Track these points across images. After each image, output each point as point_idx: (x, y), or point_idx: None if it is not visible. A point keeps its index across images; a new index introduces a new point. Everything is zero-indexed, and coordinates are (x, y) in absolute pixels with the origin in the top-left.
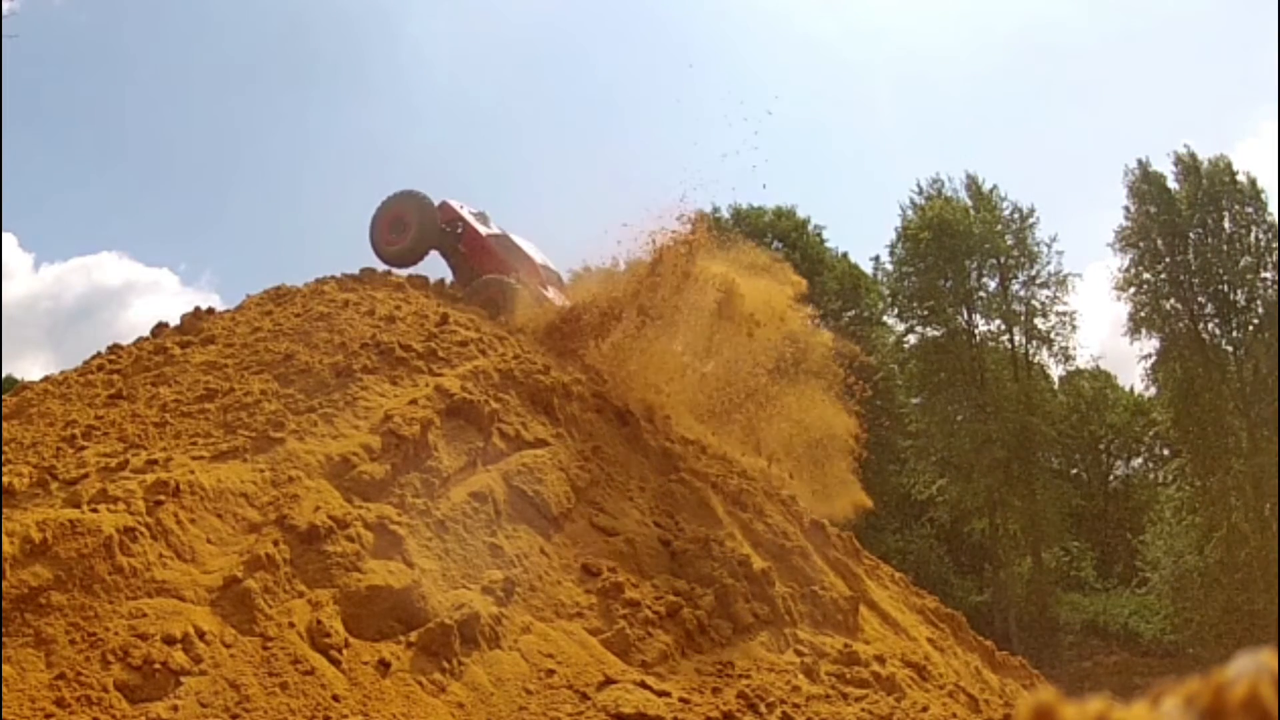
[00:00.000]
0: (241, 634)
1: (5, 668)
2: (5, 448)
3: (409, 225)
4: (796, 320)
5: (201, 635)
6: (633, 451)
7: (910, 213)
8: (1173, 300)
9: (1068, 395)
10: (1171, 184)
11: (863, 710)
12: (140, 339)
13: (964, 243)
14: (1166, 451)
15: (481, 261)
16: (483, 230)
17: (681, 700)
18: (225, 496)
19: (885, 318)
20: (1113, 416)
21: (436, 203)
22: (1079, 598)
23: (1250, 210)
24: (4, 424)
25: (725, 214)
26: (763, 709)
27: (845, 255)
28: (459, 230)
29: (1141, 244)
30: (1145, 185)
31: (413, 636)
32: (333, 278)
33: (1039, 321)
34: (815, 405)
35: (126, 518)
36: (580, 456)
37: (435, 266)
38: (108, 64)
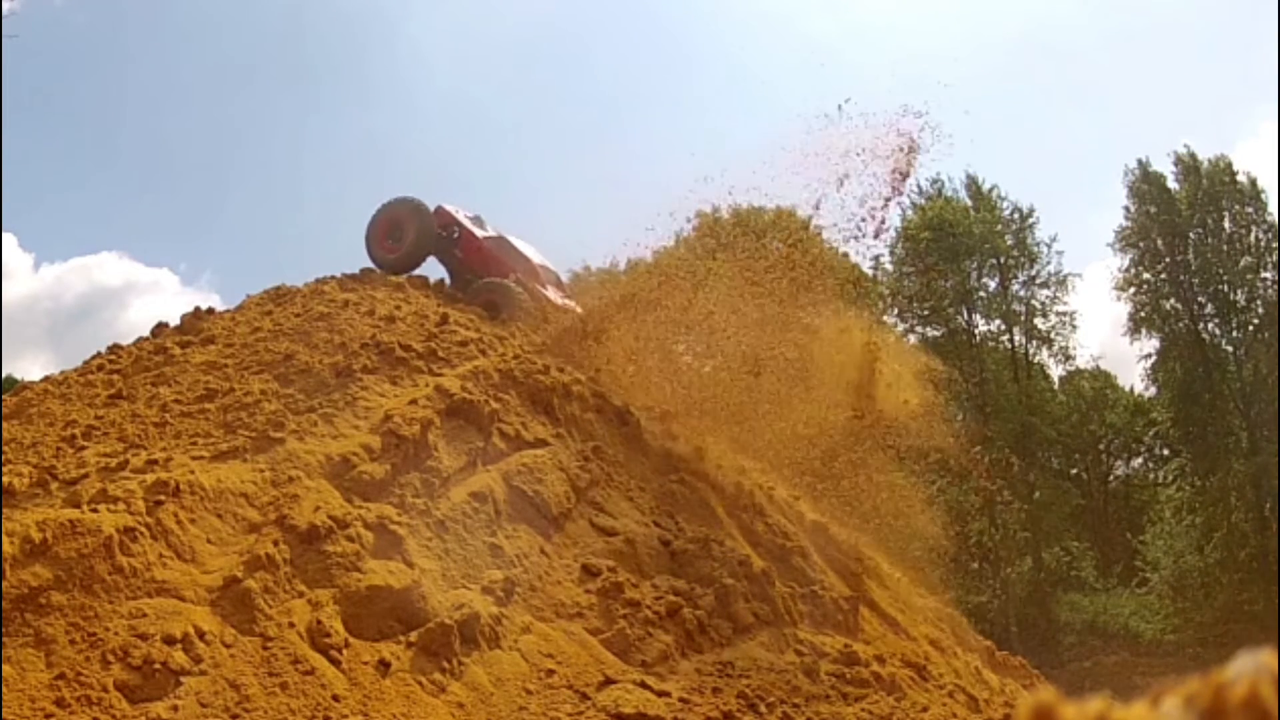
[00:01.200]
0: (241, 634)
1: (5, 668)
2: (5, 448)
3: (406, 232)
4: (935, 430)
5: (201, 635)
6: (633, 451)
7: (910, 213)
8: (1173, 300)
9: (1068, 395)
10: (1171, 184)
11: (863, 710)
12: (140, 339)
13: (964, 243)
14: (1166, 451)
15: (479, 265)
16: (478, 233)
17: (681, 700)
18: (225, 496)
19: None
20: (1113, 416)
21: (431, 207)
22: (1079, 598)
23: (1250, 210)
24: (4, 424)
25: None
26: (763, 709)
27: (845, 255)
28: (455, 234)
29: (1141, 244)
30: (1145, 185)
31: (413, 636)
32: (333, 278)
33: (1039, 321)
34: (910, 504)
35: (126, 518)
36: (580, 456)
37: (434, 269)
38: (108, 64)
